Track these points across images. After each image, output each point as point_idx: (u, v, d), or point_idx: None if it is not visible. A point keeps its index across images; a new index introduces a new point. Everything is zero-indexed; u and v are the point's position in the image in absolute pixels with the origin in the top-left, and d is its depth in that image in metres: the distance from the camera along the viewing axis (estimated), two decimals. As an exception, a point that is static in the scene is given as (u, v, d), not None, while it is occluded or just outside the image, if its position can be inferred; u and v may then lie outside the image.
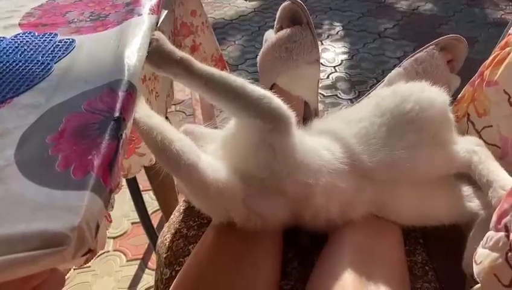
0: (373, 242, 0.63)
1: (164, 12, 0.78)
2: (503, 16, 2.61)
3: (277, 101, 0.59)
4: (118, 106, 0.45)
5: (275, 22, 0.89)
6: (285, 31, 0.83)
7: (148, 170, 1.09)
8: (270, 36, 0.86)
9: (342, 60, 2.24)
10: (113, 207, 0.48)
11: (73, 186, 0.37)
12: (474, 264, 0.51)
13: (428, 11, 2.72)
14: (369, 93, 0.86)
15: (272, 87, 0.84)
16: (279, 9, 0.86)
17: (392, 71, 0.83)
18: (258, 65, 0.87)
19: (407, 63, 0.82)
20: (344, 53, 2.32)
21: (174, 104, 1.90)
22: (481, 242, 0.51)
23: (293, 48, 0.81)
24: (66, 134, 0.42)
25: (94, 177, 0.38)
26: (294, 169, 0.59)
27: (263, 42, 0.89)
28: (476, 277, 0.50)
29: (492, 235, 0.49)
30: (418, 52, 0.82)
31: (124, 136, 0.44)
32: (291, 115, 0.60)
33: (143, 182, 1.28)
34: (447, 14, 2.64)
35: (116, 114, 0.45)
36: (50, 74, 0.52)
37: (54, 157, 0.39)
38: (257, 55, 2.38)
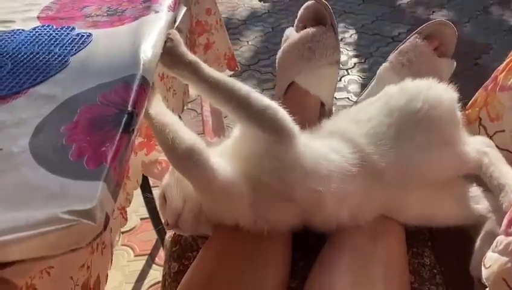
0: (372, 243, 0.63)
1: (183, 10, 0.79)
2: (519, 23, 2.59)
3: (282, 113, 0.59)
4: (132, 100, 0.46)
5: (296, 20, 0.87)
6: (309, 30, 0.82)
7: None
8: (292, 34, 0.85)
9: (354, 63, 2.24)
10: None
11: (86, 176, 0.38)
12: (483, 268, 0.50)
13: (443, 16, 2.70)
14: (363, 92, 0.85)
15: (290, 85, 0.84)
16: (303, 7, 0.85)
17: (380, 67, 0.83)
18: (277, 61, 0.86)
19: (392, 57, 0.81)
20: (357, 56, 2.31)
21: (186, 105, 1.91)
22: (491, 246, 0.51)
23: (316, 48, 0.80)
24: (80, 125, 0.43)
25: (107, 169, 0.38)
26: (303, 177, 0.59)
27: (283, 39, 0.87)
28: (484, 280, 0.49)
29: (502, 240, 0.49)
30: (401, 44, 0.82)
31: (135, 131, 0.45)
32: (295, 128, 0.60)
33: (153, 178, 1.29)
34: (462, 20, 2.62)
35: (130, 108, 0.45)
36: (66, 66, 0.53)
37: (68, 147, 0.40)
38: (270, 56, 2.37)
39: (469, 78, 2.07)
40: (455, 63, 0.82)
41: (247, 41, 2.48)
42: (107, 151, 0.39)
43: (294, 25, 0.87)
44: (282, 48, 0.85)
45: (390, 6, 2.84)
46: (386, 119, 0.64)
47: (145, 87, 0.49)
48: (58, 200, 0.36)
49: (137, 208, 1.49)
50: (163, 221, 0.65)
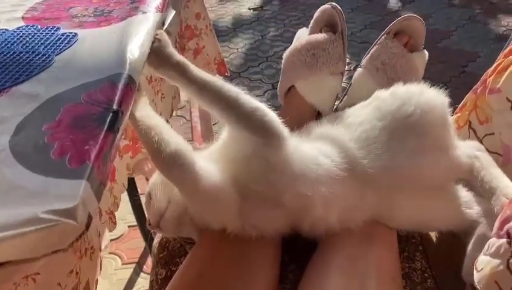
0: (364, 247, 0.62)
1: (172, 13, 0.78)
2: (505, 32, 2.62)
3: (271, 115, 0.58)
4: (118, 98, 0.45)
5: (311, 21, 0.85)
6: (317, 36, 0.80)
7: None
8: (302, 36, 0.84)
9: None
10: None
11: (68, 175, 0.36)
12: (475, 272, 0.50)
13: (430, 25, 2.73)
14: (341, 99, 0.84)
15: (290, 89, 0.83)
16: (318, 10, 0.83)
17: (355, 73, 0.82)
18: (282, 61, 0.85)
19: (365, 61, 0.80)
20: (346, 64, 2.32)
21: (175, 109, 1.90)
22: (483, 249, 0.50)
23: (320, 56, 0.79)
24: (64, 124, 0.42)
25: (90, 167, 0.37)
26: (292, 181, 0.58)
27: (294, 39, 0.85)
28: (476, 284, 0.49)
29: (493, 242, 0.49)
30: (372, 48, 0.81)
31: (120, 130, 0.44)
32: (284, 130, 0.59)
33: (141, 185, 1.27)
34: (449, 29, 2.65)
35: (115, 107, 0.44)
36: (51, 65, 0.52)
37: (50, 145, 0.39)
38: (260, 63, 2.37)
39: (457, 85, 2.10)
40: (427, 53, 0.81)
41: (237, 49, 2.49)
42: (90, 150, 0.38)
43: (309, 26, 0.85)
44: (289, 48, 0.83)
45: (379, 15, 2.87)
46: (379, 123, 0.64)
47: (131, 86, 0.48)
48: (38, 200, 0.34)
49: (124, 216, 1.47)
50: (147, 218, 0.64)
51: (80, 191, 0.35)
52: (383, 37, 0.80)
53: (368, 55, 0.80)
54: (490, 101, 0.70)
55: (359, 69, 0.81)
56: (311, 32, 0.83)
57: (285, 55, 0.83)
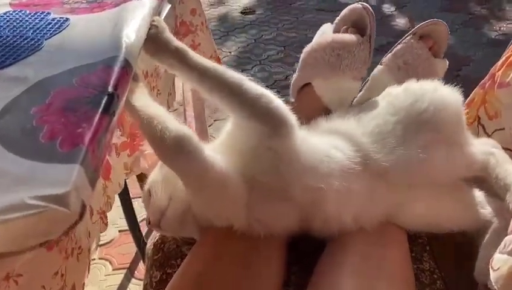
0: (377, 247, 0.59)
1: (168, 7, 0.75)
2: (497, 37, 2.64)
3: (277, 102, 0.55)
4: (113, 81, 0.42)
5: (337, 18, 0.80)
6: (344, 36, 0.76)
7: (139, 175, 1.05)
8: (327, 32, 0.79)
9: (338, 74, 2.24)
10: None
11: (59, 159, 0.33)
12: (491, 271, 0.48)
13: (423, 30, 2.74)
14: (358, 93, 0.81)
15: (306, 85, 0.78)
16: (348, 8, 0.78)
17: (375, 70, 0.78)
18: (302, 55, 0.79)
19: (387, 59, 0.77)
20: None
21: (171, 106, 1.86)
22: (499, 247, 0.48)
23: (345, 58, 0.74)
24: (54, 106, 0.38)
25: (84, 151, 0.34)
26: (301, 173, 0.55)
27: (317, 34, 0.81)
28: (493, 284, 0.47)
29: (510, 240, 0.47)
30: (396, 46, 0.78)
31: (116, 115, 0.41)
32: (292, 117, 0.56)
33: (133, 189, 1.23)
34: (442, 34, 2.66)
35: (111, 89, 0.41)
36: (40, 49, 0.49)
37: (38, 128, 0.36)
38: (253, 66, 2.34)
39: (451, 89, 2.10)
40: (447, 62, 0.80)
41: (230, 52, 2.46)
42: (84, 133, 0.35)
43: (334, 22, 0.81)
44: (312, 43, 0.78)
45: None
46: (392, 118, 0.62)
47: (127, 69, 0.45)
48: (26, 186, 0.31)
49: (115, 220, 1.42)
50: (146, 217, 0.60)
51: (72, 176, 0.31)
52: (408, 37, 0.77)
53: (391, 53, 0.77)
54: (499, 95, 0.68)
55: (379, 66, 0.77)
56: (335, 30, 0.79)
57: (306, 50, 0.78)
